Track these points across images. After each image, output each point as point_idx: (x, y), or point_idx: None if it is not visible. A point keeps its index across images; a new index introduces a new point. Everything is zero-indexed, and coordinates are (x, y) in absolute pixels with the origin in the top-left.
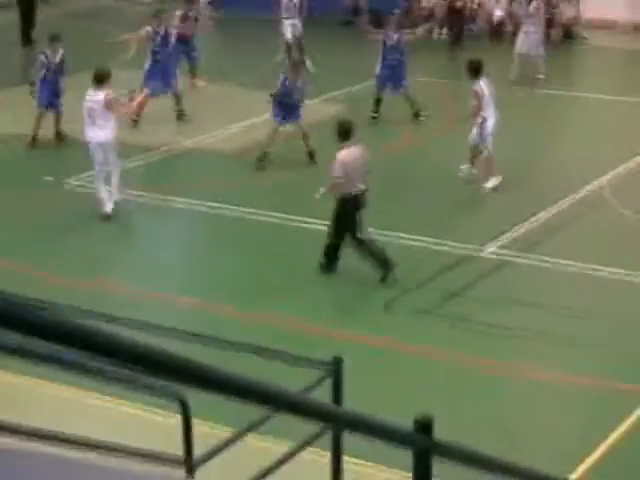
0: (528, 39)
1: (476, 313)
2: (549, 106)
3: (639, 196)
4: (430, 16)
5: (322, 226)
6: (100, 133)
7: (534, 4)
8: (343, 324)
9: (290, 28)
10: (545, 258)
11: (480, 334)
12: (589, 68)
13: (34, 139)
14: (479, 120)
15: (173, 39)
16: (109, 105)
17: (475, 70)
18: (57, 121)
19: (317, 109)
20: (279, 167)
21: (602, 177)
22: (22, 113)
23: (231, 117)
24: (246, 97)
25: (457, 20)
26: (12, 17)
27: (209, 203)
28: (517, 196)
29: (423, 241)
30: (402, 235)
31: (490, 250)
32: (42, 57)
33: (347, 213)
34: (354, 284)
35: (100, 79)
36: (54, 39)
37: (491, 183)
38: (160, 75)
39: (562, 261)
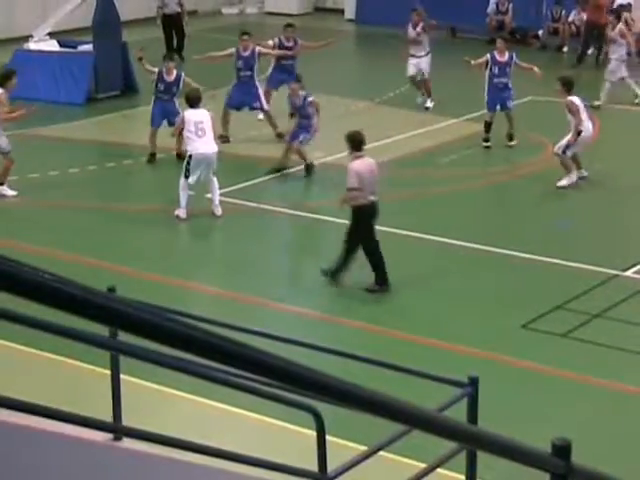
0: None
1: (613, 336)
2: None
3: None
4: (578, 34)
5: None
6: (210, 146)
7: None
8: (478, 342)
9: (412, 67)
10: None
11: (618, 358)
12: None
13: (152, 155)
14: (575, 133)
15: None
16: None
17: (567, 85)
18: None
19: (458, 128)
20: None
21: None
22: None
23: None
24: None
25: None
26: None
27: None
28: None
29: (557, 264)
30: (535, 257)
31: (631, 272)
32: (154, 76)
33: (364, 223)
34: (490, 303)
35: (196, 101)
36: (169, 58)
37: (565, 181)
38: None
39: None
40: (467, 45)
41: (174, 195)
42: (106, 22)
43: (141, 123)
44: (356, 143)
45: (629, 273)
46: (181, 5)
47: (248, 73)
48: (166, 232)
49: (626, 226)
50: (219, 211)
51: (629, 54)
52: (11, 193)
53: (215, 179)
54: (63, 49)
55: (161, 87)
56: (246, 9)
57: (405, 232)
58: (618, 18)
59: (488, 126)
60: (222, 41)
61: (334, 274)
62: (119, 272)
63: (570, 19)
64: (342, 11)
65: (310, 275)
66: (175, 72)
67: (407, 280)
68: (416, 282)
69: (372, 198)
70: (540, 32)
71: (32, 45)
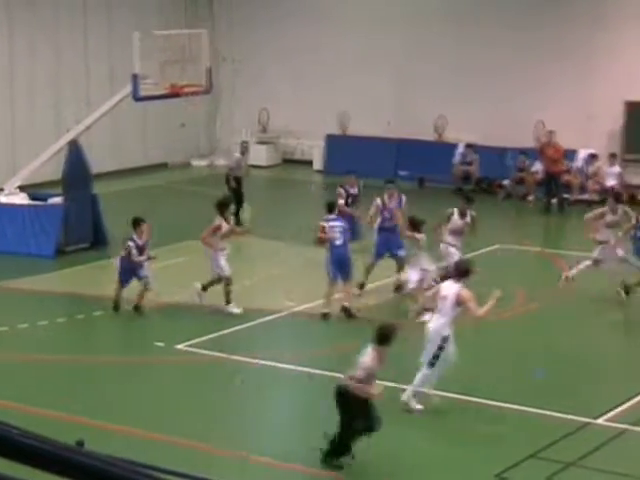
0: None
1: None
2: None
3: None
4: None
5: None
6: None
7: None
8: None
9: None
10: None
11: None
12: None
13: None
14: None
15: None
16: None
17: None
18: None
19: None
20: None
21: None
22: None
23: None
24: None
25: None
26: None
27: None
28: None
29: (529, 412)
30: (508, 405)
31: (603, 419)
32: (129, 243)
33: (364, 405)
34: (463, 452)
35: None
36: (138, 222)
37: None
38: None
39: None
40: (435, 194)
41: (143, 347)
42: (76, 175)
43: (111, 275)
44: (383, 338)
45: (601, 421)
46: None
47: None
48: (139, 384)
49: (596, 372)
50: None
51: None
52: None
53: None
54: (33, 202)
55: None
56: (215, 161)
57: None
58: (617, 199)
59: None
60: (191, 193)
61: (334, 456)
62: (88, 425)
63: (534, 169)
64: (310, 162)
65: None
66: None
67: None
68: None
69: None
70: (505, 182)
71: (2, 198)
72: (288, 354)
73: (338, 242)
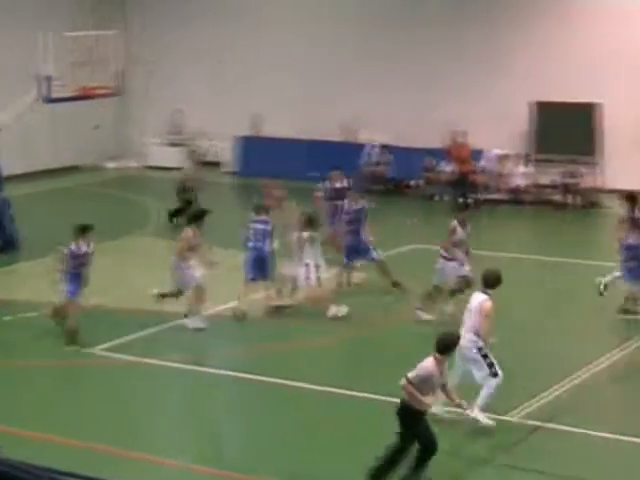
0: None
1: None
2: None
3: None
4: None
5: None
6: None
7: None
8: None
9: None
10: (567, 428)
11: None
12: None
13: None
14: None
15: None
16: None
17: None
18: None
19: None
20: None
21: None
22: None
23: None
24: None
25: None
26: None
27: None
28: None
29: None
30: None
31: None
32: (66, 250)
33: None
34: None
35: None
36: (85, 230)
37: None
38: None
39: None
40: None
41: (55, 350)
42: None
43: (19, 279)
44: (445, 347)
45: (515, 418)
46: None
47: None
48: (56, 389)
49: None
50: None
51: None
52: None
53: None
54: None
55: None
56: (127, 163)
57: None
58: (633, 200)
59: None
60: (103, 195)
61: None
62: (2, 432)
63: (440, 169)
64: (218, 164)
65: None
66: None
67: None
68: None
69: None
70: (412, 182)
71: None
72: (205, 356)
73: (255, 244)
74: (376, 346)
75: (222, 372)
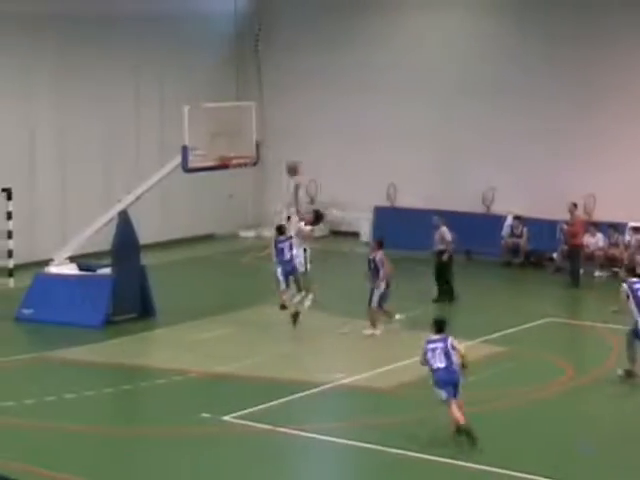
0: None
1: None
2: None
3: None
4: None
5: None
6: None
7: None
8: None
9: None
10: None
11: None
12: None
13: None
14: None
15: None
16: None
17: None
18: None
19: (475, 350)
20: None
21: None
22: (182, 348)
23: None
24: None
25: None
26: None
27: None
28: None
29: None
30: None
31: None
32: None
33: None
34: None
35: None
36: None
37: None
38: None
39: None
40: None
41: (187, 417)
42: (125, 246)
43: (157, 345)
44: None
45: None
46: None
47: None
48: (184, 456)
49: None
50: None
51: None
52: None
53: None
54: (82, 272)
55: None
56: (262, 232)
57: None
58: None
59: None
60: (238, 264)
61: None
62: None
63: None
64: (357, 234)
65: None
66: None
67: None
68: None
69: None
70: (554, 254)
71: (52, 268)
72: (337, 426)
73: (285, 257)
74: None
75: (355, 443)
